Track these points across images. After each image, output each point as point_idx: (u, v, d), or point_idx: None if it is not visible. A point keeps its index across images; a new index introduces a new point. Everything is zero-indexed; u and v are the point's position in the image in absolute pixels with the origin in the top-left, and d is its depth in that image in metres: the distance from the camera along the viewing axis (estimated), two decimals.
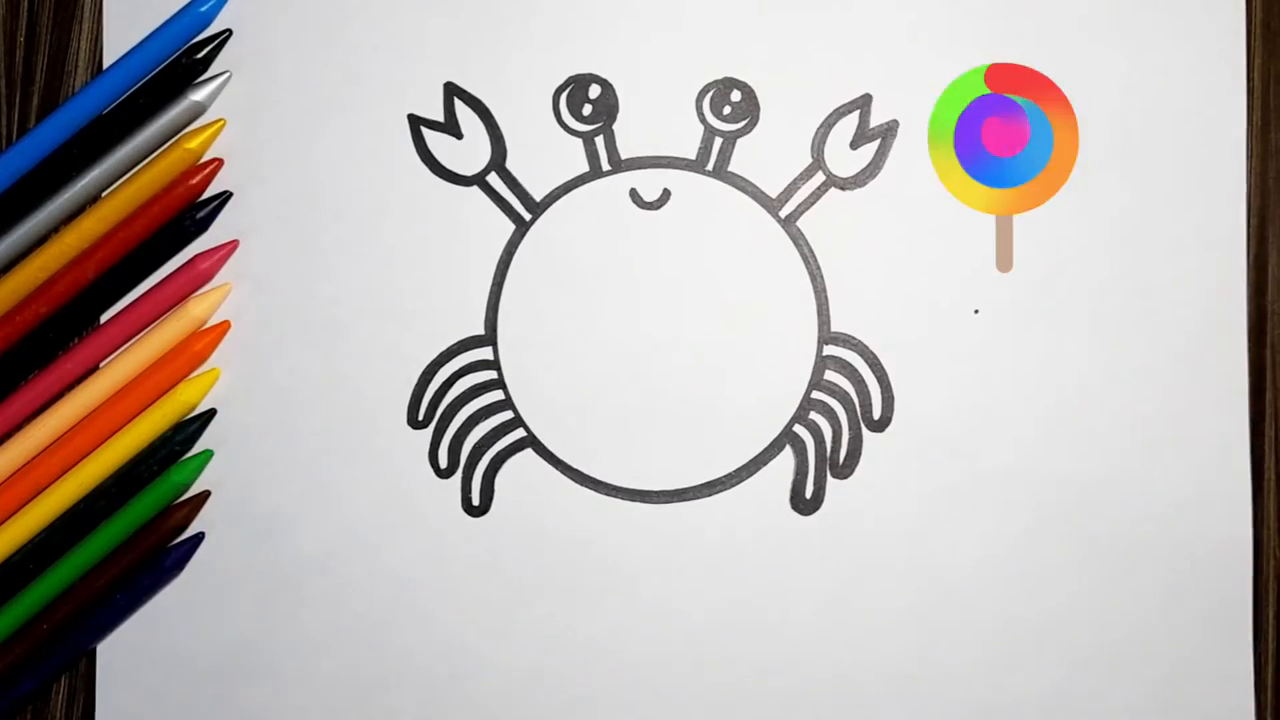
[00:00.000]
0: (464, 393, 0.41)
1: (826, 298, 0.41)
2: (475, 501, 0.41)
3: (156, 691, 0.41)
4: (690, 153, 0.41)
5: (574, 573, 0.40)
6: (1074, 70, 0.40)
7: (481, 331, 0.41)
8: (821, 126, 0.41)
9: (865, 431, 0.40)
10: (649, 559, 0.40)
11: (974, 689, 0.40)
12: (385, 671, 0.41)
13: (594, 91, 0.41)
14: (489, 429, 0.41)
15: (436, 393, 0.41)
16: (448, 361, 0.41)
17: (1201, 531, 0.40)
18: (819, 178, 0.41)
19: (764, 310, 0.40)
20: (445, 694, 0.40)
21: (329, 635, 0.41)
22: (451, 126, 0.41)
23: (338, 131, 0.41)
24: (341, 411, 0.41)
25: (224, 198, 0.41)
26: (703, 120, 0.41)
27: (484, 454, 0.41)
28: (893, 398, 0.40)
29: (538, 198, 0.41)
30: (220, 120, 0.41)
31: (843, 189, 0.41)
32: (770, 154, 0.41)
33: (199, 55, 0.41)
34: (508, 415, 0.41)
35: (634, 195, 0.41)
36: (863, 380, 0.40)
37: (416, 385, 0.41)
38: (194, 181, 0.40)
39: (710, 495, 0.40)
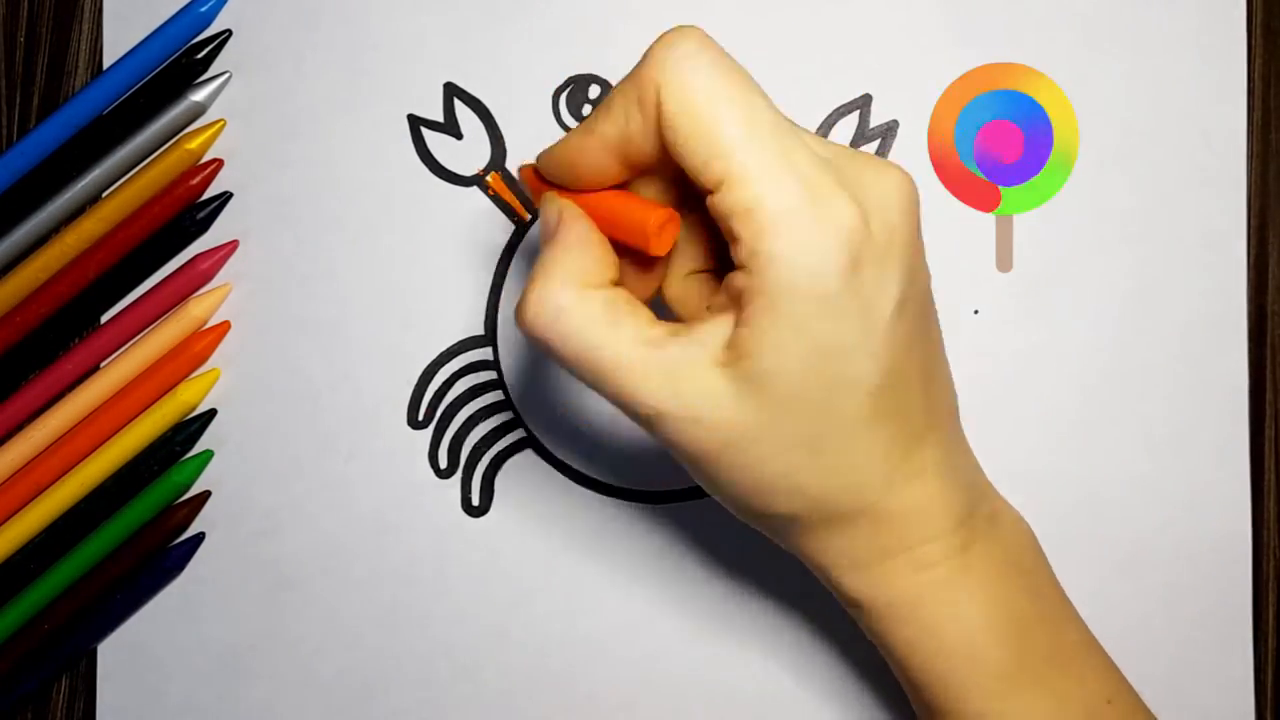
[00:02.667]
0: (464, 393, 0.41)
1: None
2: (475, 501, 0.41)
3: (156, 691, 0.41)
4: None
5: (574, 573, 0.40)
6: (1074, 70, 0.40)
7: (481, 331, 0.41)
8: (821, 126, 0.41)
9: None
10: (649, 559, 0.40)
11: None
12: (385, 671, 0.41)
13: (594, 92, 0.41)
14: (489, 429, 0.41)
15: (436, 393, 0.41)
16: (448, 361, 0.41)
17: (1201, 531, 0.40)
18: None
19: None
20: (445, 694, 0.40)
21: (329, 635, 0.41)
22: (451, 127, 0.41)
23: (338, 131, 0.41)
24: (341, 411, 0.41)
25: (224, 198, 0.41)
26: None
27: (484, 454, 0.41)
28: None
29: None
30: (220, 121, 0.41)
31: None
32: None
33: (199, 55, 0.41)
34: (508, 415, 0.41)
35: None
36: None
37: (416, 385, 0.41)
38: (194, 182, 0.40)
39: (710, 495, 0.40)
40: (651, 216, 0.30)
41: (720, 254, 0.32)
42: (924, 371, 0.31)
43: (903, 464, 0.31)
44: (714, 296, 0.31)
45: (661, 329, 0.30)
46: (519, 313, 0.30)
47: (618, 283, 0.31)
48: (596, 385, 0.30)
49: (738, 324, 0.29)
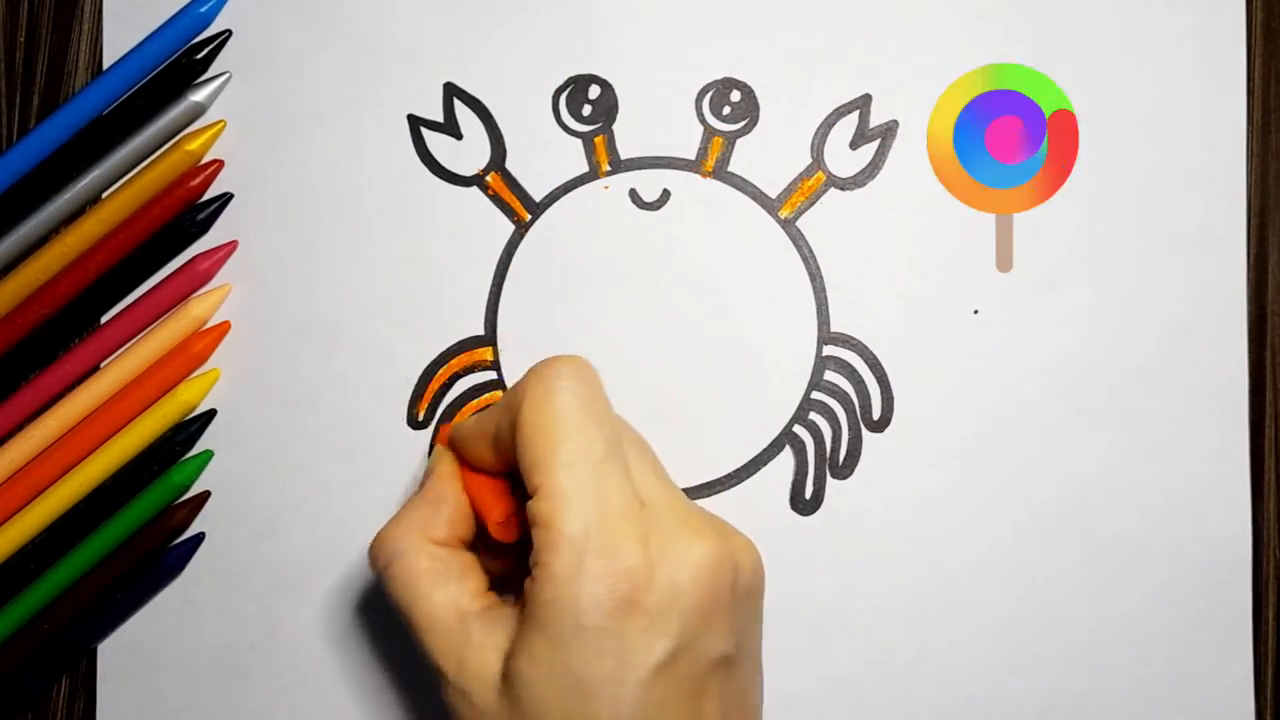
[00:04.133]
0: (464, 393, 0.41)
1: (826, 298, 0.41)
2: None
3: (156, 691, 0.41)
4: (690, 153, 0.41)
5: None
6: (1074, 70, 0.40)
7: (481, 331, 0.41)
8: (821, 126, 0.41)
9: (865, 432, 0.40)
10: None
11: (973, 689, 0.40)
12: (385, 672, 0.41)
13: (594, 92, 0.41)
14: None
15: (436, 393, 0.41)
16: (448, 361, 0.41)
17: (1201, 531, 0.40)
18: (819, 178, 0.41)
19: (764, 310, 0.41)
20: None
21: (329, 635, 0.41)
22: (451, 127, 0.41)
23: (338, 132, 0.41)
24: (341, 411, 0.41)
25: (225, 199, 0.41)
26: (702, 120, 0.41)
27: None
28: (892, 398, 0.40)
29: (537, 198, 0.41)
30: (221, 122, 0.41)
31: (843, 189, 0.41)
32: (770, 154, 0.41)
33: (199, 56, 0.41)
34: None
35: (634, 196, 0.41)
36: (862, 380, 0.40)
37: (416, 385, 0.41)
38: (194, 183, 0.40)
39: (710, 495, 0.40)
40: (495, 512, 0.34)
41: None
42: None
43: None
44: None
45: (480, 602, 0.33)
46: (371, 544, 0.34)
47: (470, 543, 0.35)
48: (408, 630, 0.33)
49: (518, 624, 0.31)
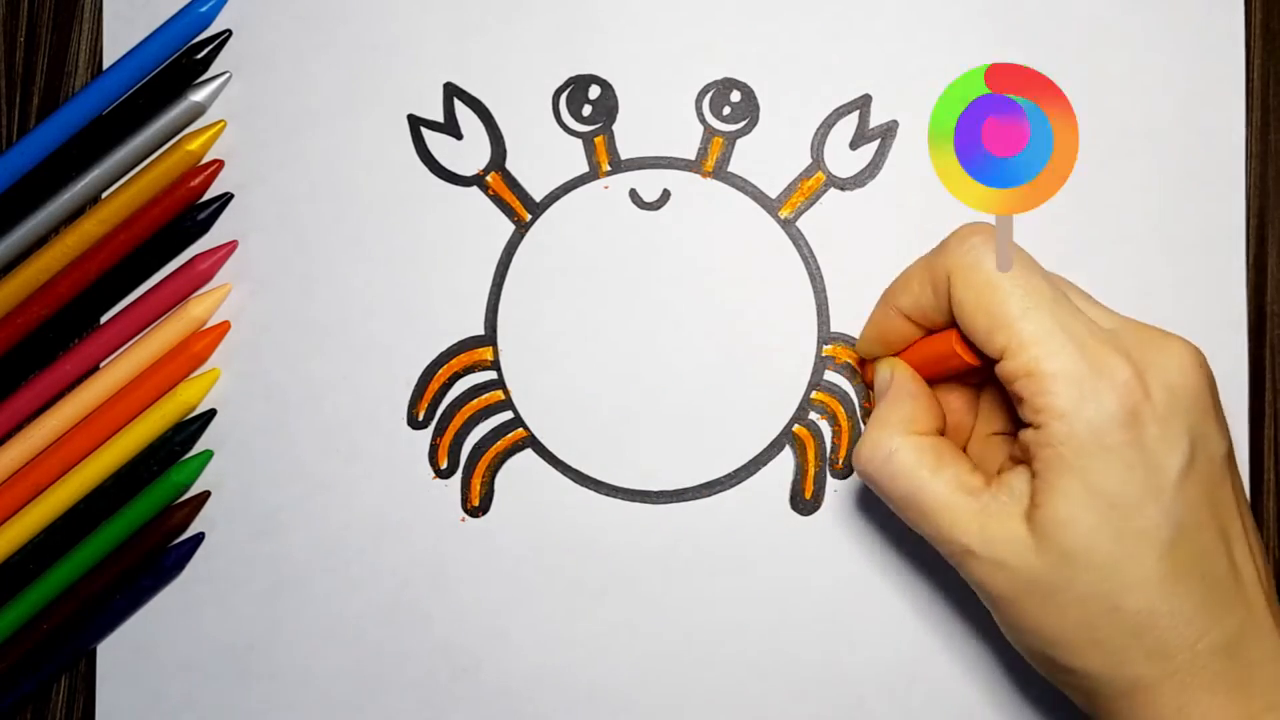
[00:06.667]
0: (464, 393, 0.41)
1: (826, 298, 0.41)
2: (475, 501, 0.41)
3: (156, 691, 0.41)
4: (690, 153, 0.41)
5: (574, 573, 0.40)
6: (1074, 70, 0.40)
7: (481, 331, 0.41)
8: (821, 127, 0.41)
9: None
10: (649, 559, 0.40)
11: (973, 689, 0.40)
12: (385, 671, 0.41)
13: (594, 92, 0.41)
14: (489, 429, 0.41)
15: (437, 393, 0.41)
16: (448, 361, 0.41)
17: None
18: (819, 178, 0.41)
19: (764, 310, 0.41)
20: (445, 694, 0.40)
21: (329, 635, 0.41)
22: (451, 127, 0.41)
23: (338, 131, 0.41)
24: (341, 411, 0.41)
25: (225, 199, 0.41)
26: (702, 120, 0.41)
27: (484, 454, 0.41)
28: None
29: (537, 198, 0.41)
30: (221, 122, 0.41)
31: (843, 189, 0.41)
32: (770, 154, 0.41)
33: (199, 56, 0.41)
34: (508, 415, 0.41)
35: (634, 196, 0.41)
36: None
37: (416, 385, 0.41)
38: (195, 183, 0.40)
39: (710, 495, 0.40)
40: (945, 344, 0.34)
41: (1017, 419, 0.34)
42: (1224, 538, 0.31)
43: (1209, 633, 0.31)
44: (1012, 448, 0.34)
45: (979, 477, 0.33)
46: (855, 454, 0.35)
47: (943, 432, 0.35)
48: (916, 522, 0.34)
49: (1032, 476, 0.32)
